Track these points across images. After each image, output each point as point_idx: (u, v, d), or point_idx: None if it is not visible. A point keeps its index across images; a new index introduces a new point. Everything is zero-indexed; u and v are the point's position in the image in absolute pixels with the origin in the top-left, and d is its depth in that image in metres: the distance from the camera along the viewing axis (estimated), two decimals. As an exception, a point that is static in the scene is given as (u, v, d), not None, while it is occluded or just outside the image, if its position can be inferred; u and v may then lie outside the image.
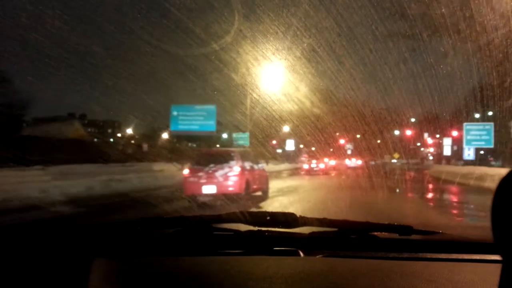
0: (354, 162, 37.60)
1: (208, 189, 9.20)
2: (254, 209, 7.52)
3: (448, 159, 40.52)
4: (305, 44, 13.47)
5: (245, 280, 1.16)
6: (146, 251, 1.48)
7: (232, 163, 9.70)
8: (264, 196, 10.69)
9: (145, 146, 28.51)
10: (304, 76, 17.78)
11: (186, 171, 9.88)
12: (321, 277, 1.18)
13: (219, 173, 9.43)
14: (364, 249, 1.47)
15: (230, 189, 9.31)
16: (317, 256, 1.42)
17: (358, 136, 38.91)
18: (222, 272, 1.21)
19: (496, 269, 0.74)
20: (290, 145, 37.60)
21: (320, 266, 1.31)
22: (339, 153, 35.72)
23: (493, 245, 0.71)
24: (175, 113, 21.70)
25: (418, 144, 50.24)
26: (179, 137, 23.73)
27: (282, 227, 1.52)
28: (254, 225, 1.53)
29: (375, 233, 1.53)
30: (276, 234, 1.50)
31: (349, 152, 44.52)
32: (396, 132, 42.47)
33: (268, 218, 1.54)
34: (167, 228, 1.57)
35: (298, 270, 1.24)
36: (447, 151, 33.41)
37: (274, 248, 1.45)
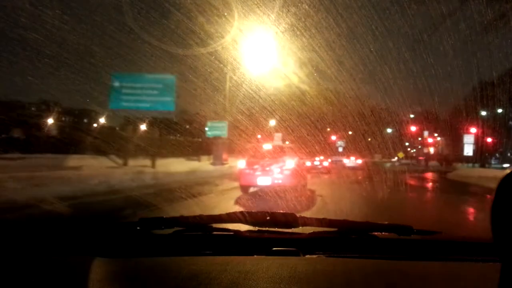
0: (353, 161, 34.39)
1: (263, 181, 10.08)
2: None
3: (446, 160, 38.01)
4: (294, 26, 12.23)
5: (245, 280, 1.21)
6: (146, 251, 1.54)
7: (286, 157, 10.63)
8: (304, 190, 11.08)
9: (17, 131, 20.61)
10: (293, 59, 16.36)
11: (242, 164, 10.60)
12: (321, 277, 1.25)
13: (274, 167, 10.24)
14: (364, 249, 1.56)
15: (284, 182, 10.05)
16: (317, 256, 1.51)
17: (350, 133, 38.42)
18: (222, 272, 1.26)
19: (496, 269, 0.78)
20: (277, 139, 32.01)
21: (320, 266, 1.37)
22: (331, 150, 35.18)
23: (492, 245, 0.75)
24: (116, 83, 13.68)
25: (407, 144, 49.42)
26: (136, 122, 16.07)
27: (282, 227, 1.60)
28: (254, 225, 1.62)
29: (375, 233, 1.60)
30: (276, 235, 1.59)
31: (340, 149, 44.01)
32: (389, 130, 42.09)
33: (268, 218, 1.61)
34: (167, 228, 1.63)
35: (298, 270, 1.29)
36: (468, 150, 26.55)
37: (274, 248, 1.52)
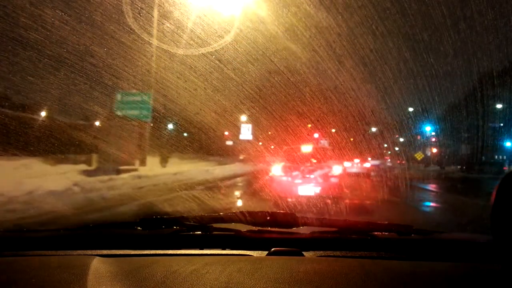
0: (358, 165, 26.02)
1: (306, 190, 9.22)
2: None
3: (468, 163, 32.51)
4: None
5: (245, 280, 1.34)
6: (146, 250, 1.70)
7: (331, 162, 10.12)
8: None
9: None
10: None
11: (277, 169, 9.77)
12: (321, 277, 1.36)
13: (318, 173, 9.22)
14: (364, 249, 1.73)
15: (330, 191, 9.51)
16: (317, 256, 1.68)
17: (333, 130, 34.92)
18: (222, 272, 1.41)
19: (496, 269, 0.70)
20: (246, 132, 24.61)
21: (320, 266, 1.51)
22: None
23: (492, 244, 0.69)
24: None
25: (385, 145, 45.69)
26: None
27: (282, 227, 1.76)
28: (255, 225, 1.75)
29: (375, 233, 1.77)
30: (277, 234, 1.75)
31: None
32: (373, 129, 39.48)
33: (268, 218, 1.76)
34: (167, 228, 1.79)
35: (298, 270, 1.43)
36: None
37: (274, 248, 1.69)
